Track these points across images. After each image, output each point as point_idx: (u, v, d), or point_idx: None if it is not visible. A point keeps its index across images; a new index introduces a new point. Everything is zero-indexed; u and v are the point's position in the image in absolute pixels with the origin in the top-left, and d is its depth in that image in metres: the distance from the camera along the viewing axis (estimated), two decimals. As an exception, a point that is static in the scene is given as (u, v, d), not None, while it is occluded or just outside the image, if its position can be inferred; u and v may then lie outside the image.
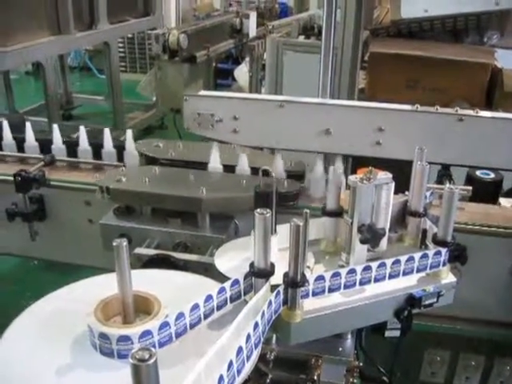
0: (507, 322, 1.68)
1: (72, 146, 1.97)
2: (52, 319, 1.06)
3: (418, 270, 1.23)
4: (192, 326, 1.02)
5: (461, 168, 1.82)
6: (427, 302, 1.24)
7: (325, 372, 1.31)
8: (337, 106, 1.59)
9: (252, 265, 1.08)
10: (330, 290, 1.14)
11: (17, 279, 3.41)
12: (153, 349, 0.68)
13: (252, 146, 1.65)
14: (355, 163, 1.68)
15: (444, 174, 1.79)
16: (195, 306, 1.02)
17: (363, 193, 1.21)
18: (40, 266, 3.35)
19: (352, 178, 1.23)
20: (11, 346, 1.00)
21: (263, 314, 1.01)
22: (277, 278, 1.07)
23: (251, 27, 4.64)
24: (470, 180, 1.79)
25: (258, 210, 1.04)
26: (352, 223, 1.23)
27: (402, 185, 1.36)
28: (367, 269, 1.17)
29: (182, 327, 0.99)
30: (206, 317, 1.05)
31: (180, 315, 0.99)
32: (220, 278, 1.23)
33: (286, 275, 1.07)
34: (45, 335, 1.02)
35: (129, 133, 1.81)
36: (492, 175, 1.81)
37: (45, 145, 1.98)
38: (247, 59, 4.69)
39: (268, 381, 1.32)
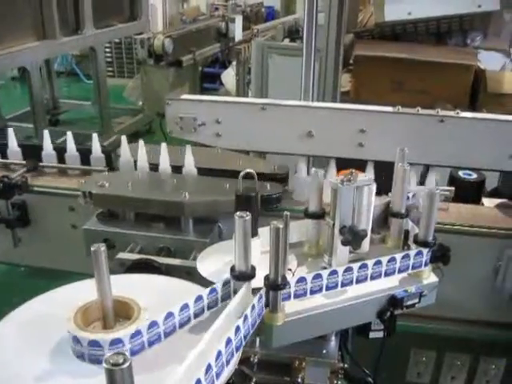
0: (492, 321, 1.69)
1: (59, 152, 1.96)
2: (31, 326, 1.06)
3: (400, 271, 1.24)
4: (167, 335, 1.01)
5: (446, 169, 1.83)
6: (409, 303, 1.25)
7: (309, 374, 1.31)
8: (319, 108, 1.60)
9: (233, 268, 1.08)
10: (312, 292, 1.14)
11: (2, 285, 3.39)
12: (127, 353, 0.67)
13: (235, 149, 1.65)
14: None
15: (426, 174, 1.80)
16: (169, 315, 1.01)
17: (344, 194, 1.21)
18: (27, 272, 3.33)
19: (333, 179, 1.24)
20: (-10, 353, 0.99)
21: (246, 317, 1.01)
22: (259, 281, 1.07)
23: (237, 31, 4.65)
24: (453, 181, 1.80)
25: (238, 213, 1.04)
26: (334, 225, 1.24)
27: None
28: (349, 270, 1.17)
29: (155, 336, 0.98)
30: (181, 325, 1.03)
31: (153, 324, 0.98)
32: (203, 281, 1.23)
33: (266, 278, 1.07)
34: (24, 342, 1.01)
35: (123, 139, 1.78)
36: (474, 176, 1.82)
37: (33, 151, 1.97)
38: (234, 63, 4.69)
39: (252, 384, 1.32)
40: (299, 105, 1.62)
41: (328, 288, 1.15)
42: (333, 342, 1.38)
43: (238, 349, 0.98)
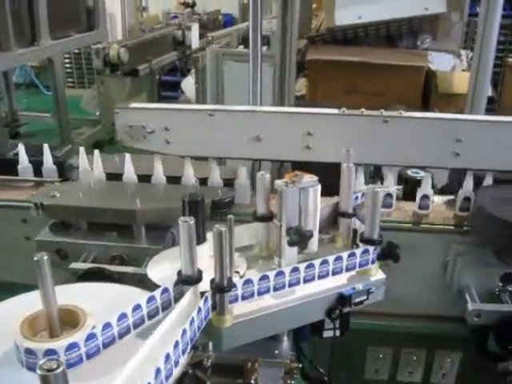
0: (444, 315, 1.73)
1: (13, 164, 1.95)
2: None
3: (348, 269, 1.26)
4: (121, 336, 1.02)
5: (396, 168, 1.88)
6: (357, 300, 1.27)
7: (262, 375, 1.33)
8: (265, 112, 1.62)
9: (180, 272, 1.09)
10: (260, 293, 1.16)
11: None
12: (61, 359, 0.68)
13: (184, 155, 1.67)
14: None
15: (375, 174, 1.84)
16: (123, 316, 1.02)
17: (288, 196, 1.23)
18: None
19: (278, 182, 1.26)
20: None
21: (192, 320, 1.03)
22: (207, 285, 1.09)
23: (193, 39, 4.66)
24: (402, 179, 1.84)
25: (182, 218, 1.05)
26: (281, 226, 1.26)
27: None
28: (295, 270, 1.19)
29: (109, 337, 1.00)
30: (135, 326, 1.05)
31: (107, 325, 0.99)
32: (155, 287, 1.23)
33: (212, 281, 1.08)
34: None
35: (81, 150, 1.78)
36: (422, 173, 1.86)
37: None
38: (193, 71, 4.70)
39: (206, 387, 1.32)
40: (246, 110, 1.65)
41: (275, 289, 1.17)
42: (285, 343, 1.40)
43: (184, 351, 0.99)
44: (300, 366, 1.45)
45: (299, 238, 1.26)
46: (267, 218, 1.33)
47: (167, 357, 0.91)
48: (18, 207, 1.81)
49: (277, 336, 1.39)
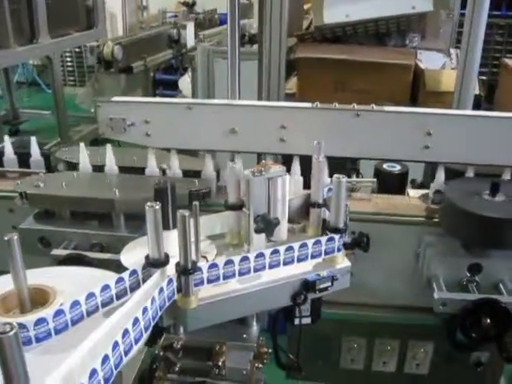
0: (416, 306, 1.77)
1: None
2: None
3: (313, 257, 1.30)
4: (89, 314, 1.07)
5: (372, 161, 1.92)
6: (322, 286, 1.31)
7: (230, 358, 1.38)
8: (241, 106, 1.67)
9: (147, 256, 1.14)
10: (225, 277, 1.20)
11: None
12: (14, 323, 0.73)
13: (163, 147, 1.72)
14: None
15: (351, 167, 1.89)
16: (91, 295, 1.08)
17: (255, 185, 1.28)
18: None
19: (246, 171, 1.31)
20: None
21: (153, 299, 1.08)
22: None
23: (189, 37, 4.71)
24: (378, 173, 1.89)
25: (148, 203, 1.10)
26: (249, 215, 1.31)
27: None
28: (260, 256, 1.23)
29: (78, 315, 1.05)
30: (104, 305, 1.10)
31: (75, 303, 1.04)
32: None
33: (177, 264, 1.14)
34: None
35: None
36: (398, 167, 1.91)
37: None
38: (189, 69, 4.75)
39: (176, 369, 1.38)
40: (223, 103, 1.70)
41: (240, 273, 1.22)
42: (254, 327, 1.45)
43: (146, 329, 1.04)
44: (270, 350, 1.50)
45: (265, 226, 1.31)
46: (238, 206, 1.38)
47: (125, 332, 0.96)
48: (4, 197, 1.86)
49: (246, 321, 1.44)
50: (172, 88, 6.42)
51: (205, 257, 1.28)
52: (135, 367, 1.45)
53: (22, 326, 0.99)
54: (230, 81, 1.80)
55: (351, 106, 1.65)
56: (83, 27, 5.32)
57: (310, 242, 1.29)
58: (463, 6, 3.65)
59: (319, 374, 1.96)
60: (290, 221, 1.43)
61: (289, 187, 1.36)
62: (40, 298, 1.12)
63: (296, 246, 1.28)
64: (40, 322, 1.00)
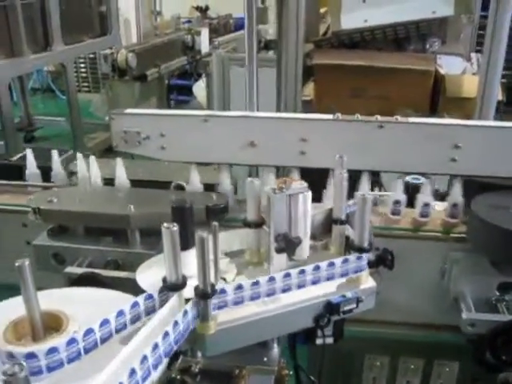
0: (441, 324, 1.71)
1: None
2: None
3: (338, 276, 1.25)
4: (103, 341, 1.02)
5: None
6: (346, 308, 1.26)
7: (250, 383, 1.32)
8: (260, 118, 1.62)
9: (164, 279, 1.09)
10: (251, 299, 1.15)
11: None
12: (24, 363, 0.69)
13: (180, 161, 1.67)
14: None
15: (373, 180, 1.82)
16: (105, 322, 1.03)
17: (276, 202, 1.23)
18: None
19: (267, 188, 1.26)
20: None
21: (176, 323, 1.03)
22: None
23: (203, 43, 4.67)
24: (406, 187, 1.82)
25: (165, 224, 1.05)
26: (269, 233, 1.26)
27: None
28: (287, 276, 1.18)
29: (91, 343, 1.00)
30: (118, 331, 1.05)
31: (89, 331, 0.99)
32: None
33: (196, 288, 1.08)
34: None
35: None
36: (422, 180, 1.84)
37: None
38: (204, 75, 4.72)
39: (194, 394, 1.32)
40: (241, 115, 1.64)
41: (266, 295, 1.16)
42: (275, 350, 1.39)
43: (166, 354, 0.99)
44: (291, 372, 1.44)
45: (286, 245, 1.26)
46: (258, 224, 1.33)
47: (144, 358, 0.91)
48: (18, 211, 1.83)
49: (266, 343, 1.38)
50: (186, 93, 6.40)
51: (224, 278, 1.23)
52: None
53: (33, 355, 0.95)
54: (248, 91, 1.75)
55: (374, 117, 1.59)
56: (97, 34, 5.31)
57: (337, 261, 1.24)
58: (484, 8, 3.58)
59: (340, 392, 1.91)
60: (312, 237, 1.38)
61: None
62: (53, 322, 1.07)
63: (323, 265, 1.22)
64: (52, 351, 0.95)
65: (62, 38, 4.68)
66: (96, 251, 1.59)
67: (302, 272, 1.20)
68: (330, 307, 1.24)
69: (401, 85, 2.95)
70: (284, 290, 1.18)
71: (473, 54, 3.52)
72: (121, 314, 1.06)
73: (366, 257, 1.28)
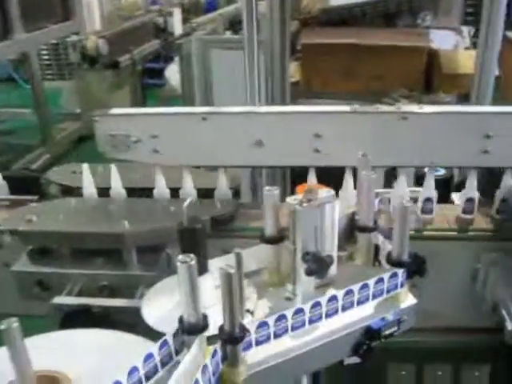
0: (470, 327, 1.57)
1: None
2: None
3: (374, 297, 1.09)
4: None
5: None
6: (387, 332, 1.11)
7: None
8: (267, 113, 1.43)
9: (181, 319, 0.91)
10: (276, 336, 0.98)
11: None
12: None
13: (177, 165, 1.47)
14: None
15: (391, 174, 1.66)
16: (117, 384, 0.84)
17: (304, 217, 1.05)
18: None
19: (290, 199, 1.08)
20: None
21: (206, 367, 0.87)
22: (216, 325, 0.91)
23: (176, 25, 4.43)
24: (419, 179, 1.66)
25: (181, 257, 0.87)
26: (295, 250, 1.08)
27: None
28: (316, 305, 1.02)
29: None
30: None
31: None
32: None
33: (221, 329, 0.90)
34: None
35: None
36: (442, 172, 1.69)
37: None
38: (176, 58, 4.47)
39: None
40: (245, 111, 1.44)
41: (294, 328, 1.00)
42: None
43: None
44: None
45: (318, 266, 1.08)
46: (277, 239, 1.15)
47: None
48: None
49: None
50: (158, 77, 6.13)
51: (248, 310, 1.06)
52: None
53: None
54: (248, 80, 1.55)
55: (395, 107, 1.41)
56: (60, 19, 5.00)
57: (371, 282, 1.08)
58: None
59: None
60: (336, 247, 1.20)
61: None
62: (50, 385, 0.89)
63: (356, 288, 1.06)
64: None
65: (23, 26, 4.38)
66: (86, 276, 1.39)
67: (333, 299, 1.05)
68: (371, 333, 1.09)
69: (394, 63, 2.78)
70: (312, 321, 1.03)
71: (464, 28, 3.36)
72: (134, 371, 0.87)
73: (403, 272, 1.12)
